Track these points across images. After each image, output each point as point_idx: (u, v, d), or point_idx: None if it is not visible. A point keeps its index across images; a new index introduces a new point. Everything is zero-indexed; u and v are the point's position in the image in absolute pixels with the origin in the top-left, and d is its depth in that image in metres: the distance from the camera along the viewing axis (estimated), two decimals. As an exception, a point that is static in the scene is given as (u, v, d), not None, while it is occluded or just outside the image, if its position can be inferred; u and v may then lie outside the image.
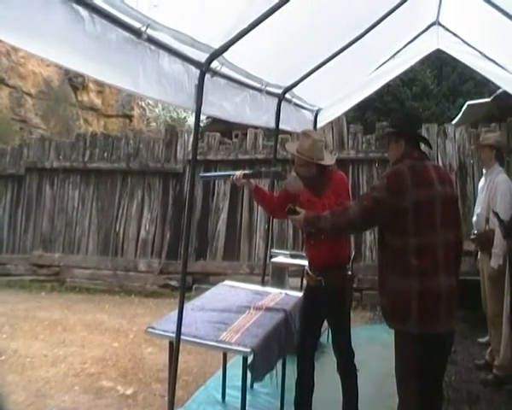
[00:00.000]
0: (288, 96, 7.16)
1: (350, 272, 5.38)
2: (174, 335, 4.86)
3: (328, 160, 5.36)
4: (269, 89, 6.45)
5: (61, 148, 14.16)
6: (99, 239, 13.63)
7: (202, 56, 4.65)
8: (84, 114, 22.38)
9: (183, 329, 4.85)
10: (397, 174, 4.15)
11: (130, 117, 23.99)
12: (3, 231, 14.24)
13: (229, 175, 5.68)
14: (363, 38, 6.48)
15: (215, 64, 4.85)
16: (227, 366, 6.50)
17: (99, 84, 21.87)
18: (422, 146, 4.56)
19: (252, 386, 6.45)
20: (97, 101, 23.01)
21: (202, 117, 5.82)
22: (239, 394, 5.01)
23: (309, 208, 4.79)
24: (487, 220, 7.04)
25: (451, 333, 4.29)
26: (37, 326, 9.59)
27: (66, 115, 21.16)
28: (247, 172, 5.66)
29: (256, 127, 11.83)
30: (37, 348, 8.38)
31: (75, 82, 21.84)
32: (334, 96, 8.29)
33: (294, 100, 7.48)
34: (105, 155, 13.77)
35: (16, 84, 19.60)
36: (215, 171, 12.52)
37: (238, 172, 5.55)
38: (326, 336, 7.35)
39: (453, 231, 4.23)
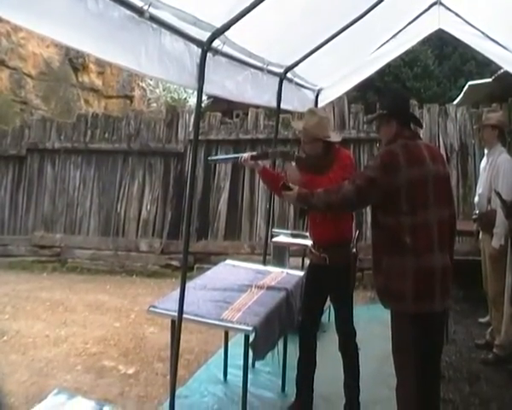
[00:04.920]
0: (289, 75, 7.14)
1: (354, 250, 5.39)
2: (176, 313, 4.89)
3: (335, 137, 5.38)
4: (270, 68, 6.44)
5: (62, 128, 14.16)
6: (100, 220, 13.65)
7: (204, 35, 4.64)
8: (84, 95, 22.27)
9: (184, 308, 4.87)
10: (390, 154, 4.16)
11: (130, 98, 23.90)
12: (5, 212, 14.26)
13: (237, 158, 5.68)
14: (364, 18, 6.46)
15: (217, 43, 4.83)
16: (228, 344, 6.54)
17: (100, 64, 21.82)
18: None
19: (253, 365, 6.50)
20: (98, 82, 22.91)
21: (203, 97, 5.81)
22: (240, 372, 5.02)
23: (314, 186, 4.78)
24: (489, 200, 7.04)
25: (446, 311, 4.31)
26: (39, 307, 9.64)
27: (66, 96, 21.07)
28: (254, 153, 5.66)
29: (257, 107, 11.82)
30: (39, 328, 8.42)
31: (75, 63, 21.73)
32: (335, 75, 8.27)
33: (296, 79, 7.46)
34: (106, 135, 13.77)
35: (16, 65, 19.49)
36: (216, 151, 12.57)
37: (245, 154, 5.55)
38: (327, 315, 7.38)
39: (446, 209, 4.24)
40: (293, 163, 5.28)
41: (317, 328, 5.69)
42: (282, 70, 6.91)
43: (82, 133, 13.94)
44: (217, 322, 4.96)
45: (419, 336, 3.97)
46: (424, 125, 11.25)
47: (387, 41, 8.19)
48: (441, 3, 7.47)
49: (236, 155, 5.82)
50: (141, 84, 21.54)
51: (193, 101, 17.16)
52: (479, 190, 7.42)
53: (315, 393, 5.55)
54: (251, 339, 4.82)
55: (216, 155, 12.46)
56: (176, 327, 4.96)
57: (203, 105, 12.57)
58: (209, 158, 7.73)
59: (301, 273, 6.33)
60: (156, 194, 13.30)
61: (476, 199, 7.47)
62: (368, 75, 8.96)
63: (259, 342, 4.85)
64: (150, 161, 13.39)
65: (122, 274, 12.80)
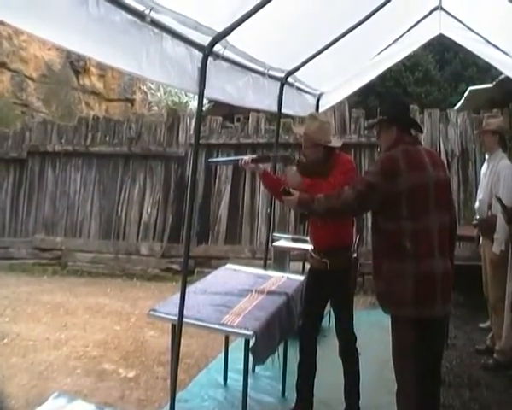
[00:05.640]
0: (290, 79, 7.15)
1: (355, 255, 5.38)
2: (176, 318, 4.87)
3: (336, 142, 5.38)
4: (271, 72, 6.44)
5: (63, 131, 14.16)
6: (101, 223, 13.66)
7: (205, 40, 4.64)
8: (85, 98, 22.33)
9: (185, 312, 4.86)
10: (391, 159, 4.15)
11: (131, 101, 23.94)
12: (6, 214, 14.25)
13: (238, 160, 5.65)
14: (365, 23, 6.46)
15: (218, 47, 4.83)
16: (229, 349, 6.54)
17: (101, 68, 21.86)
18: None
19: (253, 369, 6.48)
20: (99, 85, 22.96)
21: (204, 101, 5.82)
22: (241, 377, 5.02)
23: (315, 190, 4.78)
24: (490, 206, 7.04)
25: (447, 316, 4.31)
26: (40, 310, 9.63)
27: (67, 99, 21.12)
28: (255, 156, 5.64)
29: (258, 111, 11.82)
30: (39, 331, 8.42)
31: (77, 66, 21.78)
32: (336, 80, 8.27)
33: (297, 84, 7.46)
34: (107, 138, 13.79)
35: (18, 68, 19.55)
36: (217, 155, 12.58)
37: (246, 157, 5.53)
38: (327, 320, 7.38)
39: (447, 214, 4.24)
40: (294, 168, 5.26)
41: (317, 333, 5.69)
42: (283, 75, 6.92)
43: (83, 136, 13.95)
44: (217, 326, 4.96)
45: (419, 341, 3.97)
46: (425, 131, 11.27)
47: (389, 46, 8.20)
48: (442, 9, 7.48)
49: (237, 158, 5.79)
50: (142, 87, 21.58)
51: (194, 104, 17.22)
52: (479, 195, 7.42)
53: (315, 398, 5.54)
54: (251, 344, 4.81)
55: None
56: (176, 331, 4.95)
57: (204, 109, 12.58)
58: (209, 160, 7.71)
59: (302, 278, 6.33)
60: (157, 197, 13.31)
61: (477, 204, 7.47)
62: (369, 80, 8.97)
63: (260, 347, 4.85)
64: (151, 165, 13.40)
65: (123, 277, 12.80)
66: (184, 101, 19.01)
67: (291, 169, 5.27)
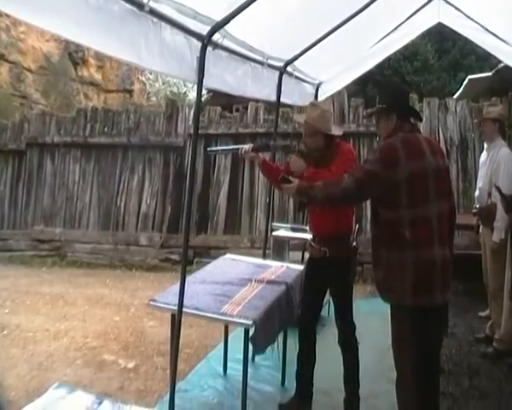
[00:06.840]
0: (289, 69, 7.13)
1: (354, 244, 5.37)
2: (176, 307, 4.87)
3: (336, 130, 5.36)
4: (270, 62, 6.42)
5: (62, 123, 14.16)
6: (100, 214, 13.65)
7: (204, 29, 4.63)
8: (84, 89, 22.25)
9: (184, 301, 4.86)
10: (390, 147, 4.14)
11: (130, 92, 23.86)
12: (4, 206, 14.26)
13: (238, 149, 5.64)
14: (364, 12, 6.44)
15: (217, 37, 4.82)
16: (228, 338, 6.54)
17: (99, 59, 21.81)
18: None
19: (253, 359, 6.49)
20: (97, 76, 22.88)
21: (203, 91, 5.80)
22: (240, 366, 5.03)
23: (317, 179, 4.77)
24: (489, 194, 7.03)
25: (446, 304, 4.30)
26: (39, 301, 9.64)
27: (66, 90, 21.06)
28: (255, 145, 5.63)
29: (257, 101, 11.80)
30: (39, 322, 8.42)
31: (75, 57, 21.71)
32: (335, 69, 8.26)
33: (296, 73, 7.44)
34: (105, 129, 13.78)
35: (16, 59, 19.48)
36: (216, 144, 12.52)
37: (246, 146, 5.52)
38: (327, 309, 7.39)
39: (446, 202, 4.24)
40: (294, 156, 5.26)
41: (316, 322, 5.69)
42: (281, 64, 6.90)
43: (81, 127, 13.94)
44: (217, 316, 4.97)
45: (418, 329, 3.97)
46: (424, 119, 11.25)
47: (387, 35, 8.18)
48: (441, -3, 7.47)
49: (237, 147, 5.78)
50: (140, 78, 21.52)
51: (192, 95, 17.20)
52: (479, 184, 7.42)
53: (314, 387, 5.55)
54: (251, 333, 4.82)
55: (215, 149, 12.44)
56: (176, 321, 4.94)
57: (203, 99, 12.57)
58: (208, 149, 7.68)
59: (301, 267, 6.31)
60: (156, 188, 13.30)
61: (476, 193, 7.47)
62: (368, 69, 8.95)
63: (259, 336, 4.85)
64: (150, 155, 13.38)
65: (122, 268, 12.81)
66: (183, 91, 18.97)
67: (293, 156, 5.27)
